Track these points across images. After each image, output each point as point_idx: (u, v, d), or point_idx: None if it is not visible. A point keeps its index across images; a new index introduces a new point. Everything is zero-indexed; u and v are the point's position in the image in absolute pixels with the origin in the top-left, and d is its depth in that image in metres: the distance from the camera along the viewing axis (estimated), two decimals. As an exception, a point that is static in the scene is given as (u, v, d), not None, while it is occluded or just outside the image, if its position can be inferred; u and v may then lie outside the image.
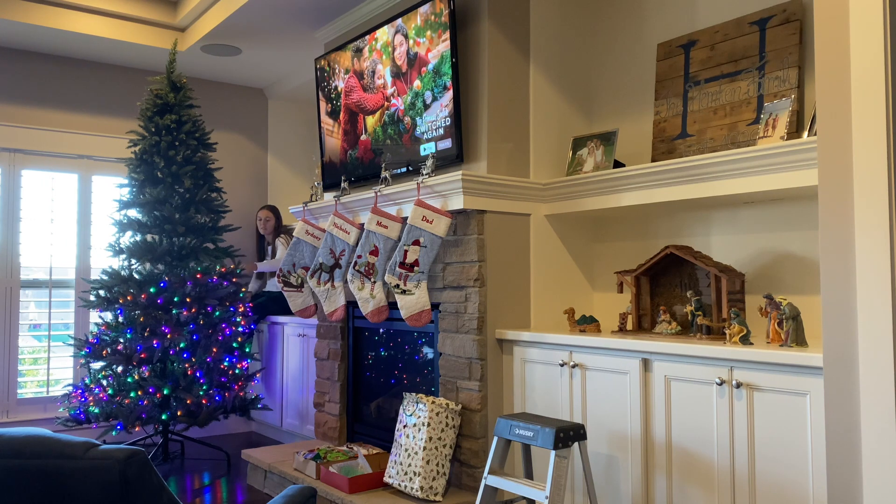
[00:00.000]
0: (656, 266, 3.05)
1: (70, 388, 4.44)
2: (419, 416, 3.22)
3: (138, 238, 4.48)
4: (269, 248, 5.46)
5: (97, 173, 5.19)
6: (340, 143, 4.18)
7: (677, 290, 3.05)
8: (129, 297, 4.25)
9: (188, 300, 4.35)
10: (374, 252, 3.55)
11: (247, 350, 4.65)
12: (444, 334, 3.42)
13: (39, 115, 5.01)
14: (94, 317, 5.13)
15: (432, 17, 3.43)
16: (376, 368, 4.05)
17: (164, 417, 4.23)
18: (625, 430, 2.74)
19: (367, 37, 3.88)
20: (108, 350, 4.24)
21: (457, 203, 3.25)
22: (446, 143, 3.41)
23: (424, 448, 3.14)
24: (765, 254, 2.93)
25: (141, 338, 4.25)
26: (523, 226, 3.43)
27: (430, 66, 3.46)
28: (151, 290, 4.29)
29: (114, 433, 4.42)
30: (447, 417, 3.20)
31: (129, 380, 4.26)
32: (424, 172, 3.36)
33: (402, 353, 3.86)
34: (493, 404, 3.27)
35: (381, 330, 4.01)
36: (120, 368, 4.33)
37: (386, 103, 3.78)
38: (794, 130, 2.74)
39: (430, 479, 3.13)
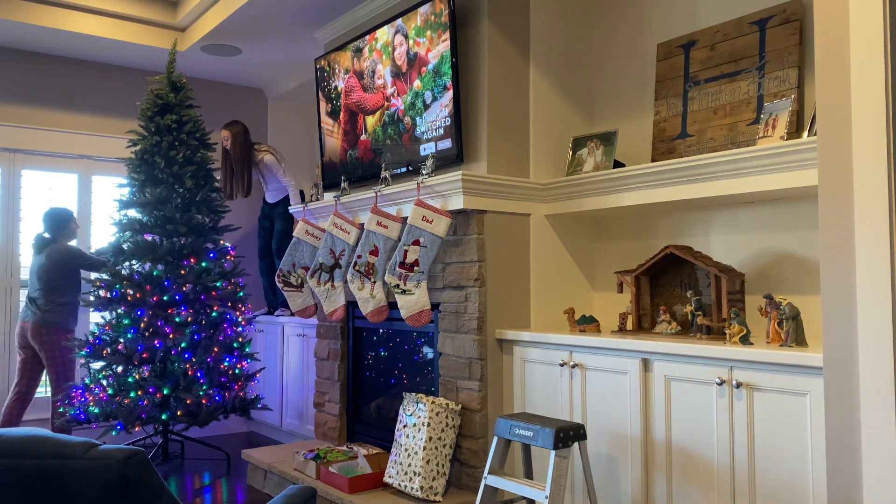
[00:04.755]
0: (656, 266, 3.05)
1: (70, 388, 4.44)
2: (419, 416, 3.22)
3: (138, 238, 4.48)
4: (249, 173, 5.06)
5: (97, 173, 5.19)
6: (340, 143, 4.18)
7: (677, 290, 3.05)
8: (137, 295, 4.26)
9: (189, 300, 4.36)
10: (374, 252, 3.55)
11: (247, 350, 4.65)
12: (444, 334, 3.42)
13: (39, 115, 5.01)
14: (95, 317, 5.13)
15: (432, 18, 3.43)
16: (376, 368, 4.05)
17: (164, 417, 4.23)
18: (625, 430, 2.74)
19: (367, 37, 3.88)
20: (109, 350, 4.24)
21: (457, 203, 3.25)
22: (446, 143, 3.41)
23: (424, 448, 3.14)
24: (765, 254, 2.94)
25: (142, 338, 4.25)
26: (523, 226, 3.43)
27: (430, 66, 3.46)
28: (154, 289, 4.30)
29: (114, 433, 4.42)
30: (447, 417, 3.21)
31: (129, 380, 4.26)
32: (424, 172, 3.36)
33: (402, 353, 3.86)
34: (493, 404, 3.27)
35: (381, 330, 4.01)
36: (120, 368, 4.33)
37: (386, 103, 3.78)
38: (794, 130, 2.74)
39: (430, 479, 3.13)
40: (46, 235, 4.53)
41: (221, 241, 4.68)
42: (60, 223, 4.54)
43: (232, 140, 5.03)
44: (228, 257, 4.65)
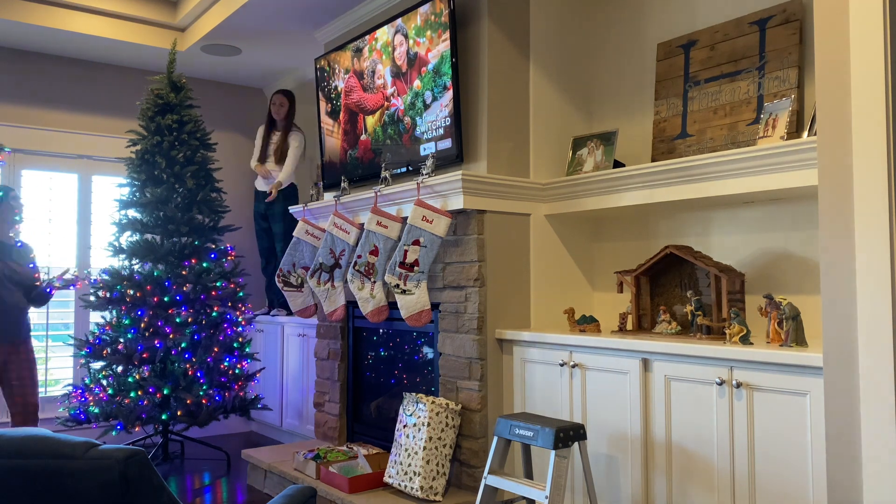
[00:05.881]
0: (656, 266, 3.05)
1: (70, 388, 4.45)
2: (419, 416, 3.22)
3: (137, 238, 4.48)
4: (275, 135, 5.06)
5: (97, 173, 5.19)
6: (340, 143, 4.18)
7: (677, 290, 3.05)
8: (138, 295, 4.25)
9: (189, 300, 4.36)
10: (374, 252, 3.55)
11: (247, 350, 4.65)
12: (444, 334, 3.42)
13: (39, 115, 5.01)
14: (95, 317, 5.13)
15: (432, 17, 3.43)
16: (376, 368, 4.05)
17: (164, 417, 4.23)
18: (625, 430, 2.74)
19: (367, 37, 3.88)
20: (109, 350, 4.24)
21: (457, 203, 3.25)
22: (446, 143, 3.41)
23: (424, 448, 3.14)
24: (765, 254, 2.93)
25: (143, 338, 4.25)
26: (523, 226, 3.43)
27: (430, 66, 3.46)
28: (155, 290, 4.30)
29: (114, 433, 4.42)
30: (447, 417, 3.20)
31: (129, 380, 4.26)
32: (424, 172, 3.36)
33: (402, 353, 3.86)
34: (493, 404, 3.27)
35: (381, 330, 4.01)
36: (120, 368, 4.33)
37: (386, 103, 3.78)
38: (794, 130, 2.74)
39: (430, 479, 3.13)
40: None
41: (224, 244, 4.68)
42: None
43: (288, 109, 5.02)
44: (229, 257, 4.65)
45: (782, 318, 2.44)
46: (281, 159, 5.01)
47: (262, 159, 5.07)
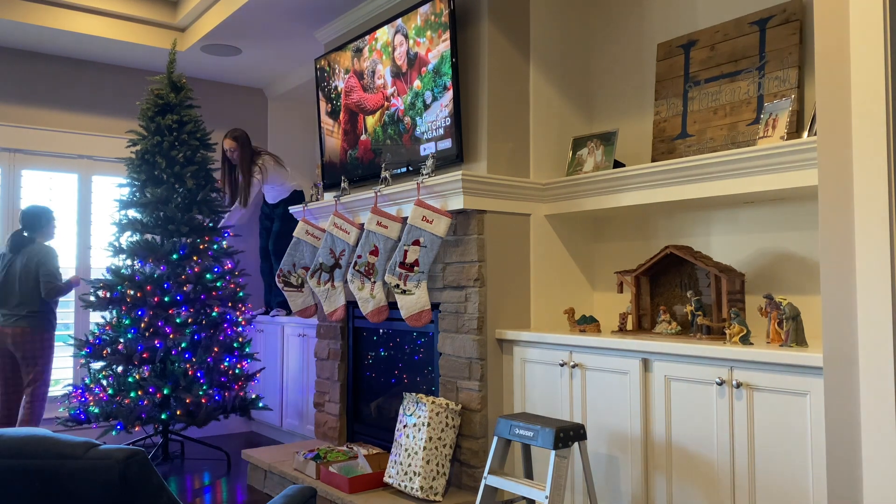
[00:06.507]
0: (656, 266, 3.05)
1: (70, 388, 4.44)
2: (419, 416, 3.22)
3: (137, 238, 4.48)
4: (242, 180, 4.95)
5: (97, 173, 5.19)
6: (340, 143, 4.18)
7: (677, 290, 3.05)
8: (138, 295, 4.25)
9: (190, 300, 4.36)
10: (374, 252, 3.55)
11: (247, 350, 4.65)
12: (444, 334, 3.42)
13: (39, 115, 5.01)
14: (95, 317, 5.13)
15: (432, 17, 3.43)
16: (376, 368, 4.05)
17: (163, 417, 4.23)
18: (625, 430, 2.74)
19: (367, 37, 3.88)
20: (109, 350, 4.24)
21: (457, 203, 3.25)
22: (446, 143, 3.41)
23: (424, 448, 3.14)
24: (765, 254, 2.94)
25: (143, 338, 4.25)
26: (523, 226, 3.43)
27: (430, 66, 3.46)
28: (155, 290, 4.30)
29: (114, 433, 4.42)
30: (447, 417, 3.20)
31: (129, 380, 4.25)
32: (424, 172, 3.36)
33: (402, 353, 3.86)
34: (493, 404, 3.27)
35: (381, 330, 4.01)
36: (120, 368, 4.33)
37: (386, 103, 3.78)
38: (794, 130, 2.74)
39: (430, 479, 3.13)
40: (25, 234, 4.38)
41: (225, 245, 4.68)
42: (42, 221, 4.40)
43: (240, 152, 4.94)
44: (225, 244, 4.66)
45: (782, 318, 2.44)
46: (245, 200, 4.99)
47: (231, 201, 5.06)
